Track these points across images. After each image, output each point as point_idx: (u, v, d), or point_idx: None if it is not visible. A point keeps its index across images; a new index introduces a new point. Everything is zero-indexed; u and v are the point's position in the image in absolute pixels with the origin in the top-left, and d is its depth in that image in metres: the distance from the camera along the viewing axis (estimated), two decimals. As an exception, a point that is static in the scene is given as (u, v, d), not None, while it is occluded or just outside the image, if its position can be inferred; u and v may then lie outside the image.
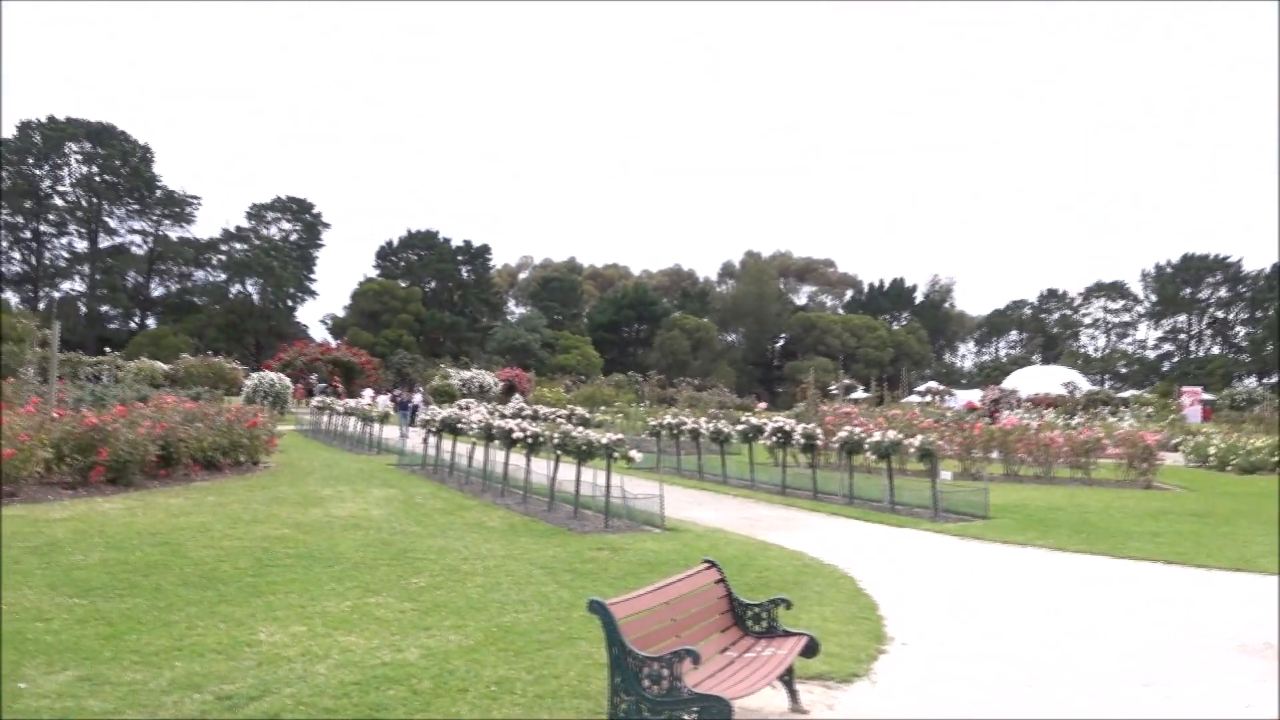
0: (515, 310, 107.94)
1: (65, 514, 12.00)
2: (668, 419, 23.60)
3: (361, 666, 6.21)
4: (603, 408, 40.30)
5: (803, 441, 18.08)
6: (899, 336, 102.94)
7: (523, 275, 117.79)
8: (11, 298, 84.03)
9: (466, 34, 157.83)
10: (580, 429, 14.53)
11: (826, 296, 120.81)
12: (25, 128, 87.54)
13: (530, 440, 15.03)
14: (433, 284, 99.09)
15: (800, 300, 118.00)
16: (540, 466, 15.97)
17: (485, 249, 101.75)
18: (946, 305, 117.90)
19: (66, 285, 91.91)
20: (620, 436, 13.68)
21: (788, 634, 6.02)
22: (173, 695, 5.51)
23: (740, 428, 20.40)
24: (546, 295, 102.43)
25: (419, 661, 6.38)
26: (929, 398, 56.19)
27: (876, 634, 7.62)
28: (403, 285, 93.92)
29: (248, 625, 7.10)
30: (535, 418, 23.65)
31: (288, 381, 43.35)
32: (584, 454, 13.43)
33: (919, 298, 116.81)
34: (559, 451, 14.13)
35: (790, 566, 10.50)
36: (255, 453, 19.35)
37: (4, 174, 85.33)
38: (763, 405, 49.63)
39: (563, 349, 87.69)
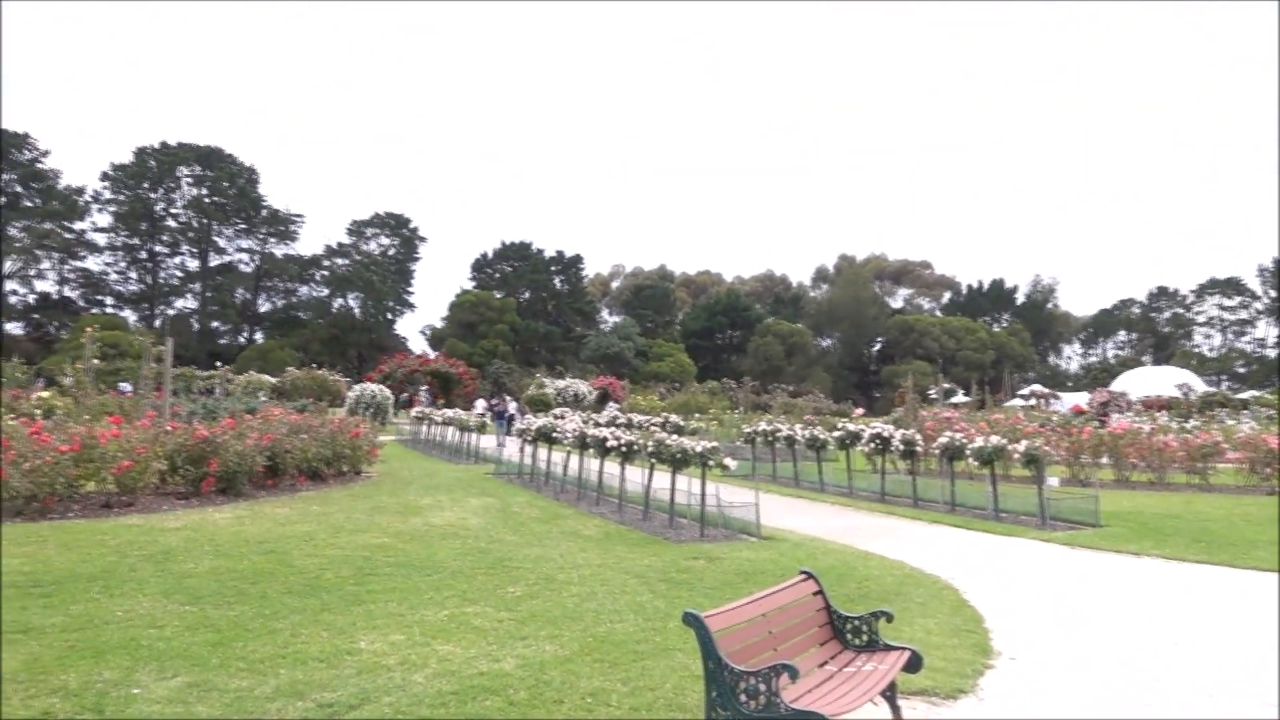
0: (608, 319, 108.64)
1: (178, 523, 12.44)
2: (762, 426, 23.33)
3: (459, 676, 6.23)
4: (696, 415, 40.13)
5: (902, 448, 17.65)
6: (1000, 339, 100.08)
7: (615, 284, 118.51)
8: (130, 316, 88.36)
9: (555, 47, 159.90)
10: (674, 437, 14.45)
11: (924, 299, 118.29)
12: (141, 153, 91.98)
13: (624, 449, 15.01)
14: (527, 294, 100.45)
15: (897, 303, 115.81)
16: (635, 475, 15.95)
17: (578, 259, 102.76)
18: (1050, 305, 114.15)
19: (180, 303, 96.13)
20: (715, 444, 13.55)
21: (889, 648, 5.81)
22: (276, 702, 5.61)
23: (837, 434, 20.03)
24: (639, 303, 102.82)
25: (515, 672, 6.37)
26: (1033, 401, 54.37)
27: (983, 648, 7.32)
28: (498, 296, 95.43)
29: (349, 633, 7.21)
30: (629, 426, 23.67)
31: (388, 393, 44.38)
32: (678, 462, 13.34)
33: (1020, 298, 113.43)
34: (653, 460, 14.08)
35: (891, 577, 10.21)
36: (357, 463, 19.82)
37: (122, 197, 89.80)
38: (860, 411, 48.68)
39: (656, 356, 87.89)
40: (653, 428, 22.27)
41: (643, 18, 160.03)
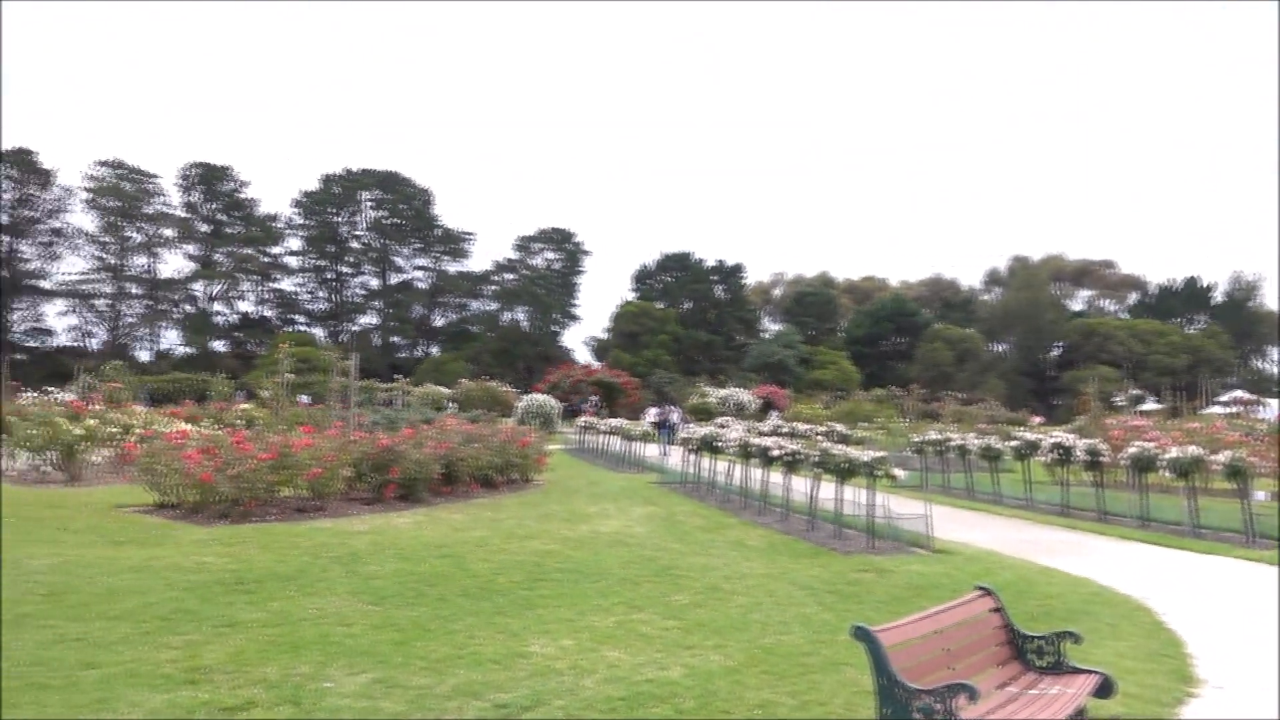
0: (770, 327, 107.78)
1: (364, 527, 13.15)
2: (933, 434, 22.58)
3: (627, 682, 6.31)
4: (862, 424, 39.20)
5: (1085, 458, 16.69)
6: (1196, 341, 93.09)
7: (776, 292, 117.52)
8: (319, 332, 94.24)
9: (709, 58, 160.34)
10: (840, 446, 14.18)
11: (1107, 300, 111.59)
12: (327, 180, 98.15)
13: (789, 458, 14.84)
14: (688, 304, 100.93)
15: (1077, 305, 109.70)
16: (799, 484, 15.74)
17: (738, 268, 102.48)
18: (1252, 304, 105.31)
19: (363, 319, 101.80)
20: (882, 453, 13.21)
21: (1077, 671, 5.50)
22: (455, 701, 5.83)
23: (1013, 443, 19.14)
24: (801, 311, 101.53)
25: (683, 680, 6.40)
26: (1235, 408, 50.31)
27: (1183, 674, 6.82)
28: (659, 306, 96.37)
29: (521, 637, 7.42)
30: (793, 435, 23.37)
31: (555, 403, 45.52)
32: (844, 472, 13.08)
33: (1218, 297, 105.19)
34: (818, 469, 13.85)
35: (1076, 595, 9.66)
36: (527, 471, 20.41)
37: (311, 222, 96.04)
38: (1038, 419, 46.37)
39: (819, 364, 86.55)
40: (817, 437, 21.91)
41: (794, 19, 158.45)
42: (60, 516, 13.29)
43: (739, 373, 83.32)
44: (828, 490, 14.21)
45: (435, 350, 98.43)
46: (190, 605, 8.08)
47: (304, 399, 41.15)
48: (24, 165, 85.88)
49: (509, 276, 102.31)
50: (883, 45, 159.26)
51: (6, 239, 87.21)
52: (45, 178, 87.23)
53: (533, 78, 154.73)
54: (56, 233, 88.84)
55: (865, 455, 12.96)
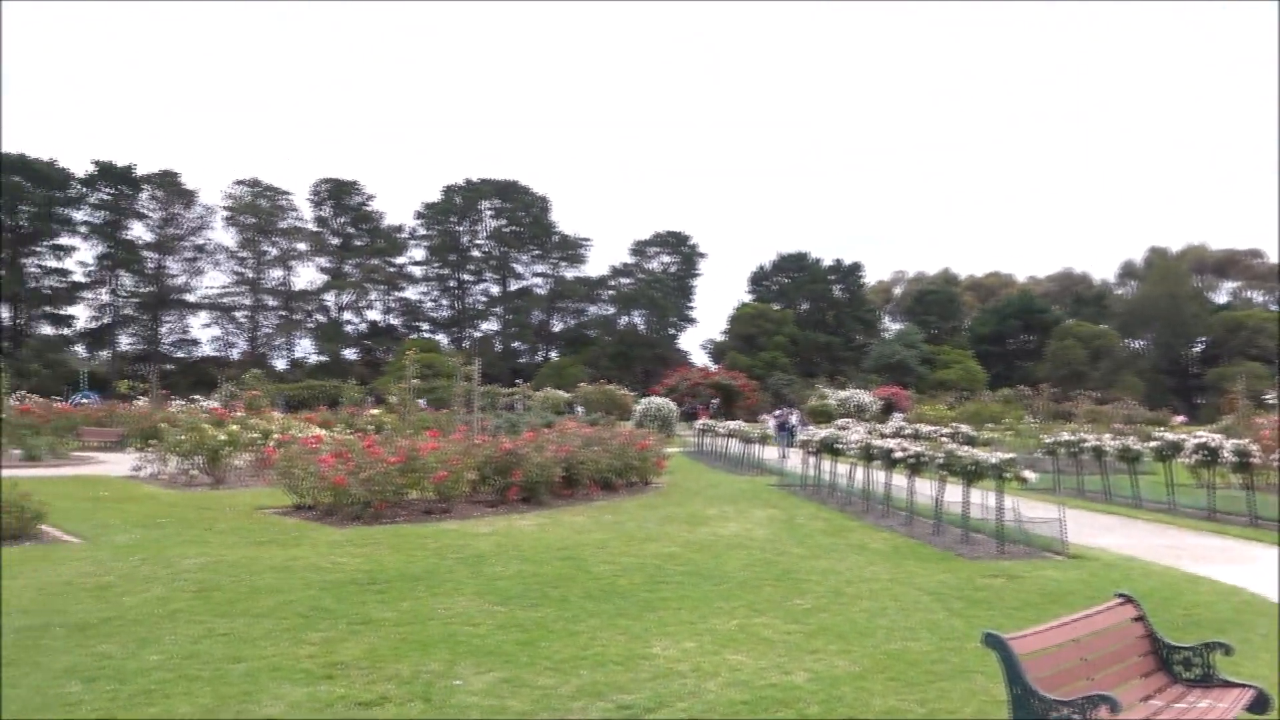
0: (890, 326, 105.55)
1: (488, 529, 13.46)
2: (1065, 435, 21.69)
3: (750, 686, 6.26)
4: (989, 425, 37.96)
5: (1234, 459, 15.74)
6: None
7: (897, 290, 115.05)
8: (442, 339, 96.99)
9: (822, 55, 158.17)
10: (966, 447, 13.77)
11: (1255, 292, 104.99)
12: (448, 191, 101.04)
13: (912, 460, 14.49)
14: (806, 305, 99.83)
15: (1221, 298, 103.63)
16: (923, 487, 15.35)
17: (857, 266, 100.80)
18: None
19: (484, 326, 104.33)
20: (1011, 455, 12.76)
21: (1228, 684, 5.18)
22: (579, 701, 5.90)
23: (1153, 444, 18.21)
24: (923, 309, 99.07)
25: (806, 685, 6.31)
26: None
27: (1349, 690, 6.34)
28: (776, 308, 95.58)
29: (643, 638, 7.46)
30: (916, 436, 22.81)
31: (673, 405, 45.63)
32: (971, 474, 12.68)
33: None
34: (944, 471, 13.48)
35: (1226, 604, 9.12)
36: (646, 473, 20.52)
37: (432, 232, 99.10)
38: (1180, 419, 44.01)
39: (943, 364, 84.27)
40: (942, 438, 21.33)
41: (911, 9, 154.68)
42: (207, 518, 14.05)
43: (859, 374, 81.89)
44: (953, 493, 13.81)
45: (554, 355, 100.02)
46: (327, 603, 8.42)
47: (420, 403, 42.40)
48: (169, 186, 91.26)
49: (625, 281, 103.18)
50: (1008, 32, 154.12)
51: (155, 257, 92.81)
52: (188, 198, 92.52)
53: (646, 81, 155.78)
54: (199, 249, 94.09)
55: (993, 457, 12.54)
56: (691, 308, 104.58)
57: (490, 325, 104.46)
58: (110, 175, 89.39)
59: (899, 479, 15.90)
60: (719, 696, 6.05)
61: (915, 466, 14.51)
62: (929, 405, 54.61)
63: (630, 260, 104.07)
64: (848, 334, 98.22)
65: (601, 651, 7.04)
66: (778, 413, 48.53)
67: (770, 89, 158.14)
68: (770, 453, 29.80)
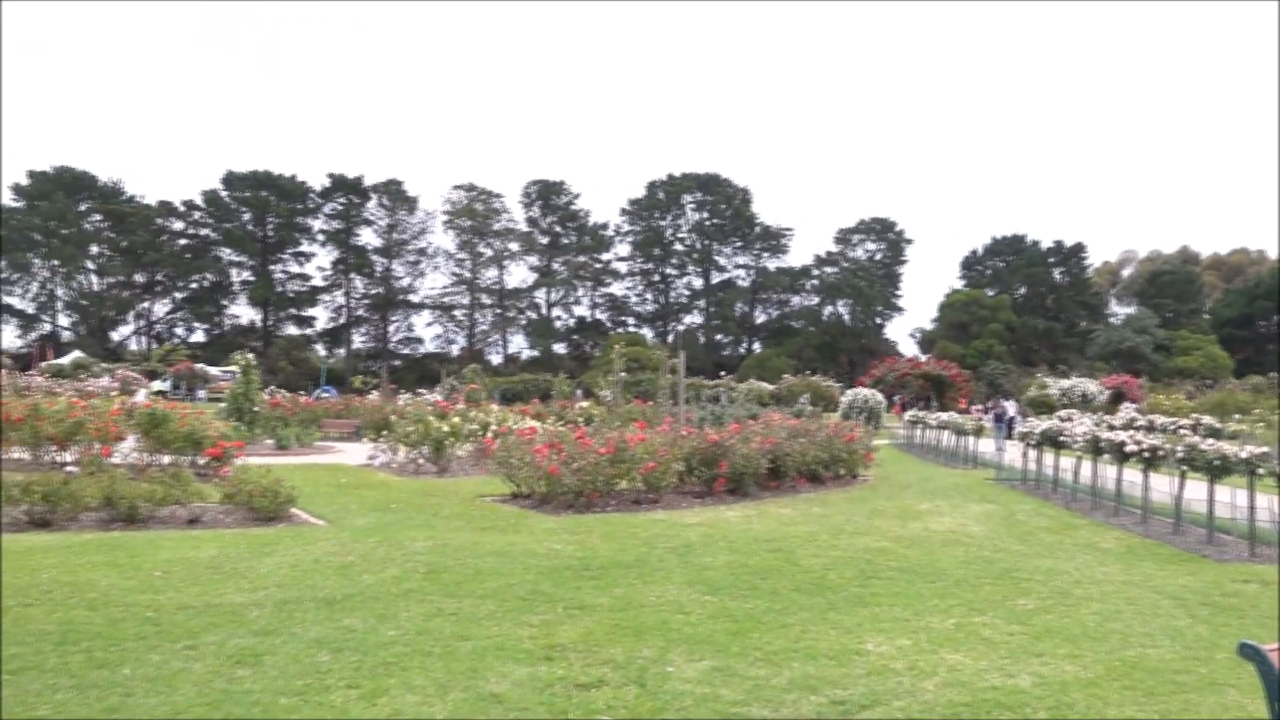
0: (1119, 311, 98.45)
1: (696, 520, 13.60)
2: (1329, 428, 19.48)
3: (970, 688, 6.02)
4: (1237, 416, 34.65)
5: None
6: None
7: (1126, 272, 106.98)
8: (647, 333, 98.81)
9: (1033, 32, 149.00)
10: (1210, 441, 12.64)
11: None
12: (651, 186, 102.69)
13: (1147, 454, 13.45)
14: (1023, 290, 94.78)
15: None
16: (1159, 483, 14.23)
17: (1079, 248, 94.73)
18: None
19: (688, 319, 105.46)
20: (1265, 449, 11.60)
21: None
22: (791, 694, 5.87)
23: None
24: (1155, 292, 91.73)
25: (1031, 689, 6.00)
26: None
27: None
28: (990, 294, 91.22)
29: (856, 634, 7.32)
30: (1150, 429, 21.15)
31: (880, 397, 44.46)
32: (1217, 469, 11.63)
33: None
34: (1184, 466, 12.43)
35: None
36: (853, 466, 20.11)
37: (637, 228, 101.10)
38: None
39: (1180, 351, 77.69)
40: (1181, 430, 19.66)
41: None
42: (433, 504, 14.94)
43: (1083, 362, 76.92)
44: (1194, 490, 12.73)
45: (757, 346, 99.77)
46: (544, 588, 8.77)
47: (603, 395, 43.27)
48: (394, 194, 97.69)
49: (830, 270, 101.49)
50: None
51: (383, 261, 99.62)
52: (411, 204, 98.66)
53: (846, 67, 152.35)
54: (422, 253, 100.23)
55: (1243, 451, 11.45)
56: (898, 296, 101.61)
57: (694, 318, 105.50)
58: (342, 186, 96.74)
59: (1131, 474, 14.82)
60: (936, 696, 5.86)
61: (1150, 460, 13.47)
62: (1164, 395, 50.45)
63: (834, 249, 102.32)
64: (1070, 320, 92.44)
65: (813, 645, 6.97)
66: (992, 403, 46.30)
67: (980, 62, 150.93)
68: (986, 445, 28.48)
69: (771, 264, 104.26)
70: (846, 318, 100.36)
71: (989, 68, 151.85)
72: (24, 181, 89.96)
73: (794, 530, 12.64)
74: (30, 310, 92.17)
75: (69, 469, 14.61)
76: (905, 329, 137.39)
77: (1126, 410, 39.35)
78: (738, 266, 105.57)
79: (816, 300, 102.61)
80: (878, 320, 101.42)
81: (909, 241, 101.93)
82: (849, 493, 17.64)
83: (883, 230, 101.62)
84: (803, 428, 20.23)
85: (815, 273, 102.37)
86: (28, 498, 12.07)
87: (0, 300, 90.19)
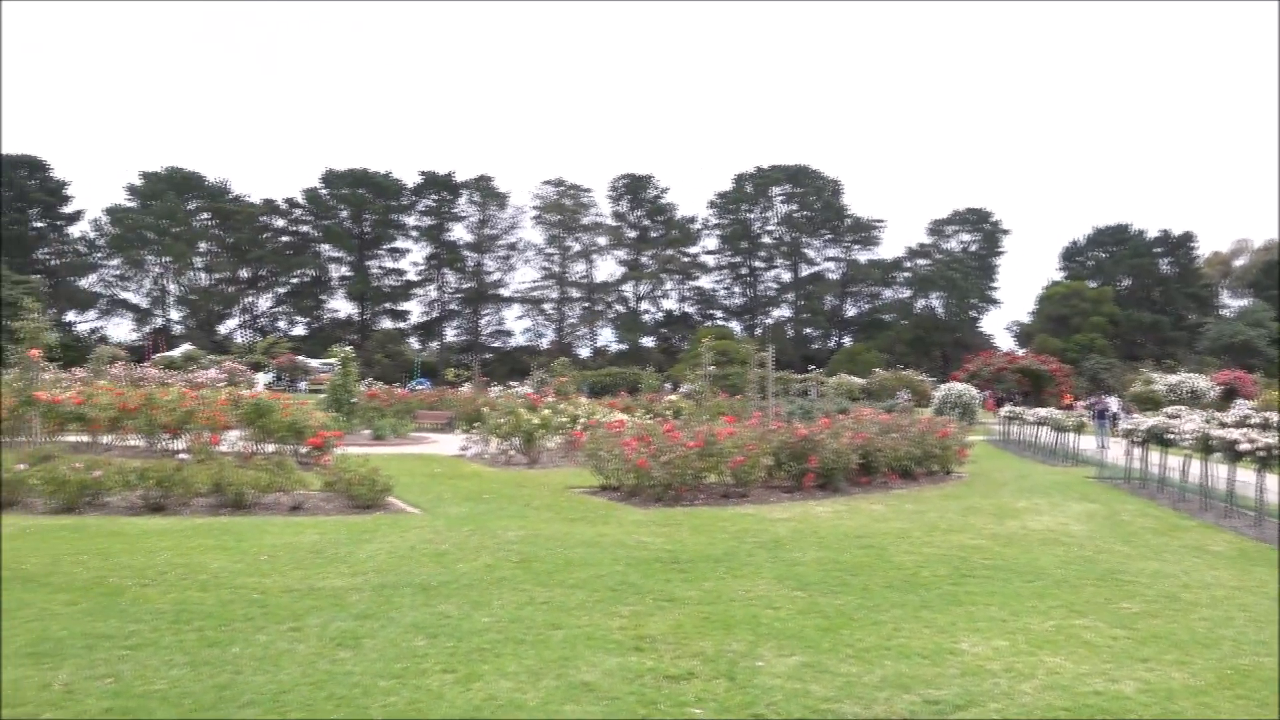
0: (1231, 303, 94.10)
1: (785, 514, 13.50)
2: None
3: (1070, 692, 5.85)
4: (1360, 414, 32.75)
5: None
6: None
7: (1239, 262, 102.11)
8: (735, 326, 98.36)
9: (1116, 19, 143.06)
10: (1331, 440, 11.99)
11: None
12: (739, 179, 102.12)
13: (1261, 453, 12.84)
14: (1127, 282, 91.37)
15: None
16: (1276, 484, 13.57)
17: (1188, 237, 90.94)
18: None
19: (776, 312, 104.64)
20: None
21: None
22: (884, 692, 5.79)
23: None
24: (1271, 283, 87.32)
25: (1136, 696, 5.80)
26: None
27: None
28: (1092, 285, 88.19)
29: (949, 633, 7.18)
30: (1265, 426, 20.16)
31: (975, 392, 43.44)
32: (1339, 470, 11.04)
33: None
34: (1302, 467, 11.83)
35: None
36: (947, 462, 19.69)
37: (724, 221, 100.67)
38: None
39: (1298, 344, 73.86)
40: (1299, 429, 18.69)
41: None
42: (524, 495, 15.17)
43: (1192, 356, 73.81)
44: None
45: (847, 340, 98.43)
46: (633, 579, 8.83)
47: (682, 390, 43.15)
48: (484, 190, 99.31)
49: (922, 262, 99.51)
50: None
51: (474, 256, 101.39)
52: (501, 200, 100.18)
53: (937, 56, 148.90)
54: (512, 247, 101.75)
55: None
56: (994, 288, 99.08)
57: (782, 311, 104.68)
58: (435, 183, 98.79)
59: (1244, 474, 14.17)
60: (1035, 700, 5.71)
61: (1265, 460, 12.85)
62: (1281, 391, 48.03)
63: (927, 240, 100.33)
64: (1177, 313, 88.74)
65: (905, 643, 6.86)
66: (1093, 399, 44.79)
67: (1080, 45, 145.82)
68: (1087, 442, 27.59)
69: (862, 256, 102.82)
70: (940, 311, 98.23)
71: (1089, 50, 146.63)
72: (137, 182, 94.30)
73: (885, 526, 12.45)
74: (144, 304, 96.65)
75: (181, 456, 15.27)
76: (1001, 322, 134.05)
77: (1240, 407, 37.62)
78: (827, 259, 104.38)
79: (909, 293, 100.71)
80: (972, 313, 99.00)
81: (1005, 232, 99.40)
82: (942, 489, 17.28)
83: (978, 221, 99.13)
84: (894, 423, 19.89)
85: (907, 265, 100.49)
86: (144, 483, 12.68)
87: (117, 295, 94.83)
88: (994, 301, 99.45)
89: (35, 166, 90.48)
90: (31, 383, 18.32)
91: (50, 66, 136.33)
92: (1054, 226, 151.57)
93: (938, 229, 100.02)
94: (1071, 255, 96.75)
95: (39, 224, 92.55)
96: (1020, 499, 15.84)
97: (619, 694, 5.67)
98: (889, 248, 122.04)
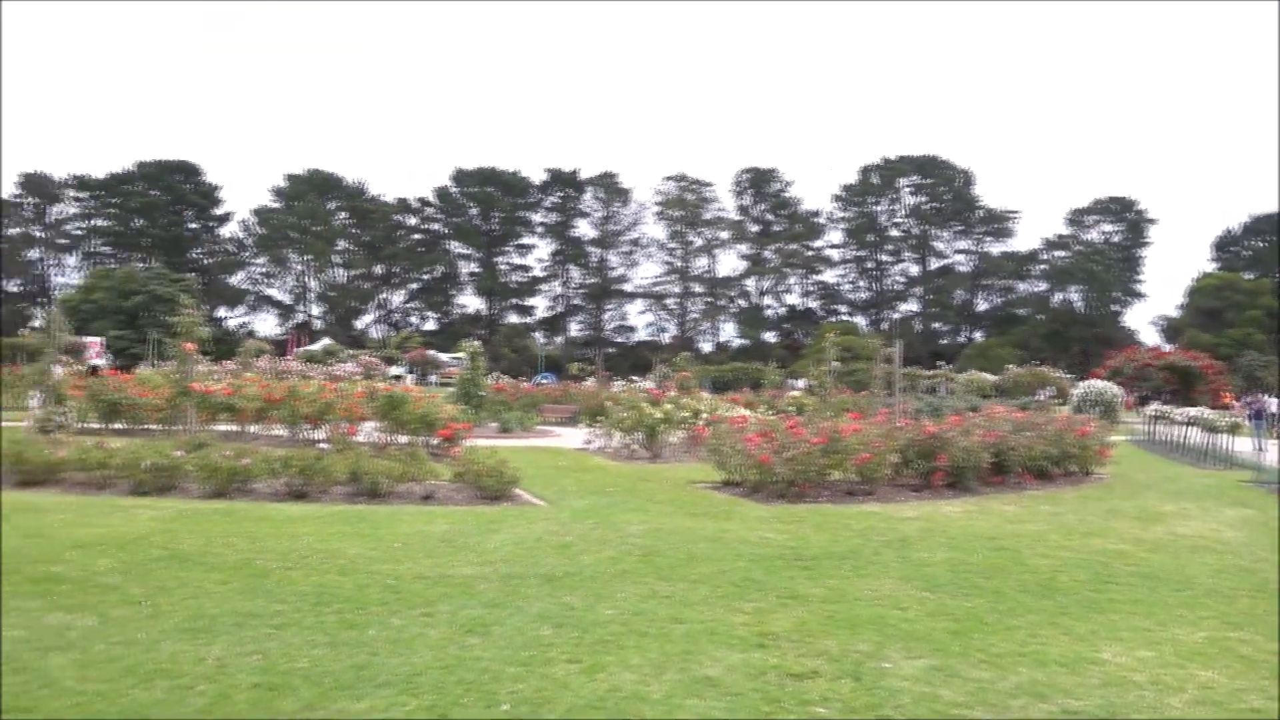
0: None
1: (913, 513, 13.16)
2: None
3: (1225, 708, 5.51)
4: None
5: None
6: None
7: None
8: (860, 321, 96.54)
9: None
10: None
11: None
12: (865, 171, 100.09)
13: None
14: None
15: None
16: None
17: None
18: None
19: (903, 306, 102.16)
20: None
21: None
22: (1019, 700, 5.58)
23: None
24: None
25: (1299, 716, 5.42)
26: None
27: None
28: (1248, 277, 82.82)
29: (1089, 641, 6.86)
30: None
31: (1117, 390, 41.41)
32: None
33: None
34: None
35: None
36: (1086, 463, 18.83)
37: (849, 214, 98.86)
38: None
39: None
40: None
41: None
42: (647, 489, 15.26)
43: (1362, 353, 68.41)
44: None
45: (979, 335, 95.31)
46: (756, 575, 8.76)
47: (797, 385, 42.35)
48: (608, 187, 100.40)
49: (1060, 254, 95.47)
50: None
51: (598, 252, 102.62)
52: (625, 196, 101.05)
53: (1073, 43, 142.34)
54: (635, 243, 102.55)
55: None
56: (1139, 281, 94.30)
57: (909, 306, 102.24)
58: (560, 180, 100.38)
59: None
60: (1185, 714, 5.40)
61: None
62: None
63: (1065, 231, 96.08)
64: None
65: (1042, 650, 6.59)
66: (1250, 398, 42.08)
67: (1228, 23, 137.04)
68: (1241, 444, 25.95)
69: (995, 248, 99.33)
70: (1079, 305, 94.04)
71: (1237, 28, 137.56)
72: (282, 184, 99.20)
73: (1019, 528, 12.00)
74: (287, 301, 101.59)
75: (321, 446, 15.97)
76: (1146, 316, 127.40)
77: None
78: (958, 252, 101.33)
79: (1045, 286, 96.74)
80: (1114, 307, 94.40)
81: (1151, 222, 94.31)
82: (1081, 491, 16.54)
83: (1121, 210, 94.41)
84: (1029, 420, 19.15)
85: (1044, 257, 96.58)
86: (287, 471, 13.33)
87: (263, 292, 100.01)
88: (1138, 295, 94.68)
89: (190, 171, 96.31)
90: (187, 375, 19.46)
91: (206, 77, 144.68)
92: (1206, 215, 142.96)
93: (1077, 219, 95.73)
94: (1225, 245, 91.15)
95: (193, 225, 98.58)
96: (1167, 502, 15.02)
97: (742, 690, 5.63)
98: (1024, 239, 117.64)
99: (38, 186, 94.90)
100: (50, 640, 6.27)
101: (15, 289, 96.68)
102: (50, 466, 13.84)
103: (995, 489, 16.12)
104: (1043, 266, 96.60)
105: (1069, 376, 54.39)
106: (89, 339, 51.86)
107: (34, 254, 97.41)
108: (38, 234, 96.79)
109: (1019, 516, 13.13)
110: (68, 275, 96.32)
